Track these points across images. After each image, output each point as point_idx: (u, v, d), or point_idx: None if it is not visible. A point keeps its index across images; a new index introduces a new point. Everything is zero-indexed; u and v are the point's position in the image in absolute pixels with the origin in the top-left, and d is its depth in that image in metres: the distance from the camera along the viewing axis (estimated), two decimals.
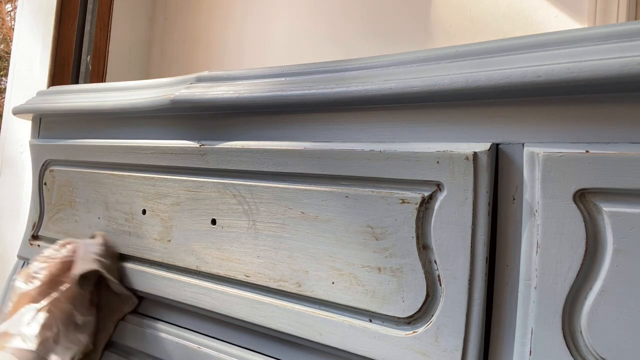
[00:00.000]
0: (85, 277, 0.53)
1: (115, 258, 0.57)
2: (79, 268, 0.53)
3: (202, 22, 1.47)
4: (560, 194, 0.34)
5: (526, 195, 0.36)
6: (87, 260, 0.54)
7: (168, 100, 0.54)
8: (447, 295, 0.38)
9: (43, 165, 0.72)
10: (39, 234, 0.72)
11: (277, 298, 0.48)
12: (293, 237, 0.47)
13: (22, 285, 0.52)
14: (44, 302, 0.50)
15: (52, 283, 0.52)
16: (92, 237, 0.60)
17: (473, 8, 1.05)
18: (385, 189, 0.42)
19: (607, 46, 0.33)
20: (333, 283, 0.44)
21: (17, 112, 0.75)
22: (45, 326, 0.48)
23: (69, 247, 0.56)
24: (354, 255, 0.43)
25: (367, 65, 0.44)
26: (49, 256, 0.55)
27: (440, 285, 0.39)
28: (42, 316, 0.49)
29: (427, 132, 0.41)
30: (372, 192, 0.42)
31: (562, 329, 0.34)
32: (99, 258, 0.55)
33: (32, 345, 0.46)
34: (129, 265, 0.60)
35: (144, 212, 0.59)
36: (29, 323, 0.48)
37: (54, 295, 0.51)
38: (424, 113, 0.41)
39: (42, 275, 0.52)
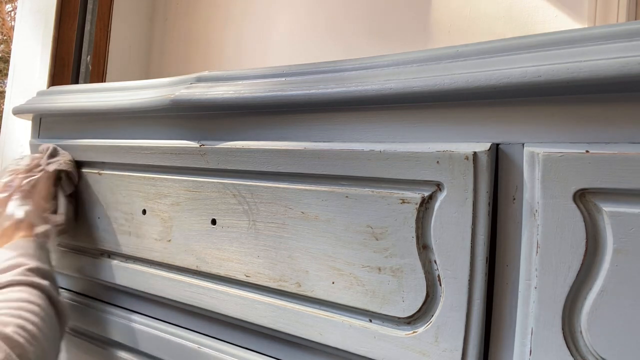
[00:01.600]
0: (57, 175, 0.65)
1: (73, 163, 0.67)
2: (52, 167, 0.64)
3: (202, 22, 1.47)
4: (560, 194, 0.34)
5: (526, 195, 0.36)
6: (54, 163, 0.65)
7: (168, 100, 0.54)
8: (447, 295, 0.38)
9: None
10: None
11: (277, 298, 0.48)
12: (293, 237, 0.47)
13: (4, 197, 0.61)
14: (19, 193, 0.61)
15: (22, 190, 0.61)
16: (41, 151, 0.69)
17: (473, 8, 1.05)
18: (385, 189, 0.42)
19: (607, 46, 0.33)
20: (333, 283, 0.44)
21: (17, 112, 0.75)
22: (25, 204, 0.59)
23: (26, 158, 0.65)
24: (354, 255, 0.43)
25: (367, 65, 0.44)
26: (14, 169, 0.63)
27: (440, 285, 0.39)
28: (19, 196, 0.60)
29: (427, 132, 0.41)
30: (372, 192, 0.42)
31: (562, 329, 0.34)
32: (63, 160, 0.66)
33: (21, 214, 0.58)
34: (129, 265, 0.60)
35: (144, 212, 0.59)
36: (15, 207, 0.59)
37: (26, 187, 0.61)
38: (424, 113, 0.41)
39: (15, 183, 0.61)
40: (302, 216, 0.46)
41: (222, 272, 0.52)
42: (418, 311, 0.40)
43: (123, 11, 1.46)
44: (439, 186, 0.39)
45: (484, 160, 0.37)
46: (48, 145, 0.67)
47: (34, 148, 0.73)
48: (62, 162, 0.65)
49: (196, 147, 0.54)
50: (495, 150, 0.38)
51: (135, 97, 0.59)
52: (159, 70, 1.53)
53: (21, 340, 0.43)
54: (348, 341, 0.43)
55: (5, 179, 0.63)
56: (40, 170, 0.63)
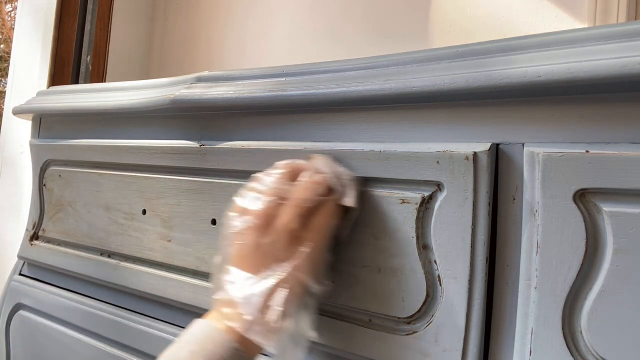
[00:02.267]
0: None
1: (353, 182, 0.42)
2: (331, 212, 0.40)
3: (202, 22, 1.47)
4: (560, 194, 0.34)
5: (526, 195, 0.36)
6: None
7: (168, 100, 0.54)
8: (447, 295, 0.38)
9: (43, 165, 0.72)
10: (39, 234, 0.72)
11: None
12: None
13: (261, 240, 0.39)
14: (282, 272, 0.38)
15: (292, 239, 0.39)
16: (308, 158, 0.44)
17: (473, 8, 1.05)
18: (385, 189, 0.42)
19: (607, 46, 0.33)
20: (333, 282, 0.44)
21: (17, 112, 0.75)
22: (283, 311, 0.37)
23: (304, 178, 0.41)
24: (354, 255, 0.43)
25: (367, 65, 0.44)
26: (280, 194, 0.40)
27: (440, 285, 0.39)
28: (281, 295, 0.37)
29: (427, 132, 0.41)
30: (372, 192, 0.42)
31: (562, 329, 0.34)
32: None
33: (269, 344, 0.37)
34: (129, 265, 0.60)
35: (144, 212, 0.59)
36: (265, 301, 0.37)
37: (295, 262, 0.38)
38: (424, 113, 0.41)
39: (281, 225, 0.39)
40: None
41: None
42: (418, 311, 0.40)
43: (123, 11, 1.46)
44: (439, 186, 0.39)
45: (484, 160, 0.37)
46: (334, 169, 0.42)
47: (33, 148, 0.73)
48: (351, 196, 0.41)
49: (196, 147, 0.54)
50: (495, 150, 0.38)
51: (135, 97, 0.59)
52: (159, 70, 1.53)
53: None
54: (348, 341, 0.42)
55: (253, 196, 0.41)
56: (321, 214, 0.40)
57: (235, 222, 0.41)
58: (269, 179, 0.42)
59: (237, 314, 0.38)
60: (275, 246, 0.39)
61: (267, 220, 0.40)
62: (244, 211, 0.41)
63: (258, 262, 0.39)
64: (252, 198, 0.41)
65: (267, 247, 0.39)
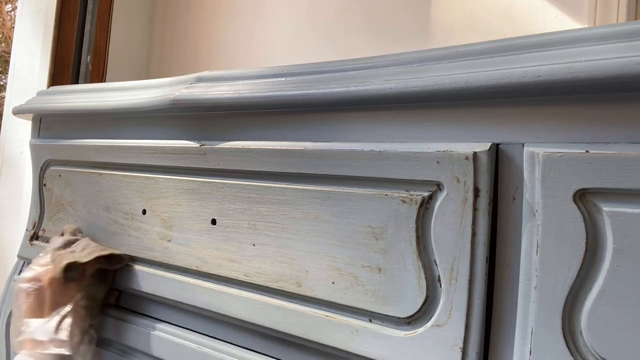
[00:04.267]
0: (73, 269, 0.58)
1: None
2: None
3: (202, 22, 1.47)
4: (560, 194, 0.34)
5: (526, 195, 0.36)
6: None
7: (168, 100, 0.54)
8: (447, 295, 0.38)
9: (43, 165, 0.72)
10: (39, 234, 0.72)
11: (277, 298, 0.48)
12: (293, 237, 0.47)
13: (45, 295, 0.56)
14: (68, 308, 0.56)
15: (56, 291, 0.56)
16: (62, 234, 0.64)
17: (473, 8, 1.05)
18: (385, 189, 0.42)
19: (607, 46, 0.33)
20: (333, 283, 0.44)
21: (17, 112, 0.75)
22: (72, 333, 0.54)
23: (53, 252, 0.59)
24: (354, 255, 0.43)
25: (367, 65, 0.44)
26: (44, 264, 0.59)
27: (440, 285, 0.39)
28: (67, 322, 0.55)
29: (427, 132, 0.41)
30: (372, 192, 0.42)
31: (562, 329, 0.34)
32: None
33: (66, 350, 0.53)
34: (129, 265, 0.60)
35: (144, 212, 0.59)
36: (58, 330, 0.54)
37: (72, 304, 0.56)
38: (424, 113, 0.41)
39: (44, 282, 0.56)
40: (302, 216, 0.46)
41: (222, 272, 0.52)
42: (418, 311, 0.40)
43: (123, 11, 1.46)
44: (439, 186, 0.39)
45: (484, 160, 0.37)
46: (68, 233, 0.64)
47: (34, 148, 0.73)
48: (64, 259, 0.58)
49: (196, 147, 0.54)
50: (495, 150, 0.38)
51: (135, 97, 0.59)
52: (159, 70, 1.53)
53: None
54: (348, 341, 0.42)
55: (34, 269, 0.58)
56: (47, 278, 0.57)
57: (24, 286, 0.57)
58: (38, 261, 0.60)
59: (36, 342, 0.53)
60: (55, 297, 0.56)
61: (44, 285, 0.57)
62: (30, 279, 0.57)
63: (47, 310, 0.56)
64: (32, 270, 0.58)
65: (50, 299, 0.56)
